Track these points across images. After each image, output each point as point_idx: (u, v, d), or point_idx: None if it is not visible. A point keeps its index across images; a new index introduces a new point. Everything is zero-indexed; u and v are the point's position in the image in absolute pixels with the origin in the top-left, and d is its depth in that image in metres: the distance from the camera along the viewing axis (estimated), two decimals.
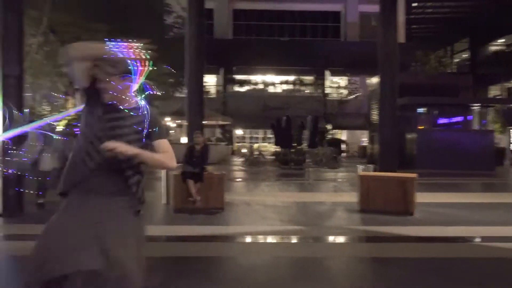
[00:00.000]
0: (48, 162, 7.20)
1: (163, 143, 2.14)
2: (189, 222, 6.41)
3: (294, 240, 5.66)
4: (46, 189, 7.31)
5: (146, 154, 2.06)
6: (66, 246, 1.97)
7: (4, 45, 6.90)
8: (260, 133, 31.31)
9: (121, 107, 2.11)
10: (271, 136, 27.31)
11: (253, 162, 19.74)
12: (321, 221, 6.73)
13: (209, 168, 7.70)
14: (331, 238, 5.81)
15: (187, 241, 5.32)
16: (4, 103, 6.77)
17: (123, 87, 2.09)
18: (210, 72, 29.66)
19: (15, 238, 5.38)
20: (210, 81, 30.69)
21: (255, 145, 28.21)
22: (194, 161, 7.22)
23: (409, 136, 17.50)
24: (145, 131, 2.12)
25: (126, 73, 2.09)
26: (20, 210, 6.78)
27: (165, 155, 2.13)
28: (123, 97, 2.11)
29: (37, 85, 21.02)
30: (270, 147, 27.05)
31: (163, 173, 7.90)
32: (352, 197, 7.84)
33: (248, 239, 5.65)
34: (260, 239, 5.69)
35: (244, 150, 26.02)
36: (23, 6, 7.16)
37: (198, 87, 8.93)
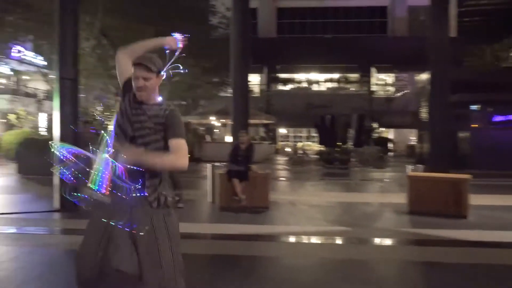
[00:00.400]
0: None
1: (176, 142, 2.13)
2: (234, 220, 6.48)
3: (339, 241, 5.57)
4: None
5: (155, 160, 2.08)
6: (100, 246, 2.08)
7: (61, 49, 7.29)
8: (304, 132, 31.09)
9: (144, 103, 2.20)
10: (315, 135, 27.03)
11: (297, 161, 19.65)
12: (367, 222, 6.57)
13: (254, 167, 7.75)
14: (378, 240, 5.66)
15: (232, 239, 5.37)
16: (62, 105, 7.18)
17: (156, 84, 2.21)
18: (254, 71, 29.79)
19: (71, 232, 5.67)
20: (254, 80, 30.87)
21: (299, 144, 28.05)
22: (239, 160, 7.28)
23: (462, 135, 16.68)
24: (163, 128, 2.16)
25: (161, 71, 2.22)
26: (76, 206, 7.11)
27: (176, 155, 2.10)
28: (151, 94, 2.20)
29: (90, 87, 22.07)
30: (314, 146, 26.79)
31: (208, 171, 8.05)
32: (400, 198, 7.59)
33: (293, 239, 5.63)
34: (305, 239, 5.65)
35: (287, 149, 25.95)
36: (79, 13, 7.49)
37: (243, 86, 8.99)
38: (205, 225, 6.33)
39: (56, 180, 7.05)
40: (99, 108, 15.91)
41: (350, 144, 19.31)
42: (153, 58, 2.19)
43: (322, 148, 19.48)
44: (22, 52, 21.10)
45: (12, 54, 17.69)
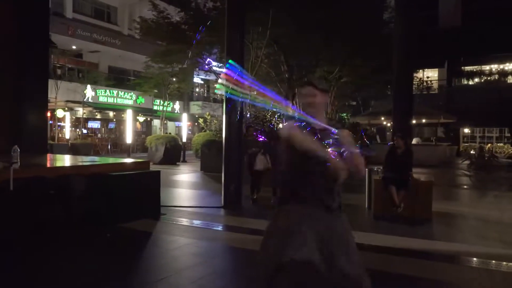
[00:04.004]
0: (260, 163, 8.02)
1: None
2: (389, 231, 5.99)
3: None
4: (259, 186, 8.17)
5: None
6: (286, 240, 2.21)
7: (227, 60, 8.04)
8: (494, 132, 26.80)
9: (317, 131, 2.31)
10: (508, 135, 23.14)
11: (482, 165, 17.00)
12: None
13: (417, 173, 7.02)
14: None
15: (382, 252, 4.97)
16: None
17: (322, 101, 2.37)
18: (432, 65, 27.23)
19: (233, 229, 6.13)
20: (432, 75, 28.20)
21: (487, 146, 24.30)
22: (396, 165, 6.71)
23: None
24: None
25: (326, 90, 2.43)
26: (238, 203, 7.77)
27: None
28: (320, 112, 2.36)
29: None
30: (507, 148, 22.83)
31: (367, 176, 7.66)
32: None
33: (458, 260, 4.85)
34: (472, 262, 4.79)
35: (472, 152, 22.80)
36: (245, 27, 8.04)
37: (406, 85, 8.27)
38: (357, 234, 6.02)
39: (223, 179, 7.81)
40: (269, 112, 16.91)
41: None
42: (318, 81, 2.39)
43: None
44: (210, 63, 24.12)
45: (206, 66, 20.40)
